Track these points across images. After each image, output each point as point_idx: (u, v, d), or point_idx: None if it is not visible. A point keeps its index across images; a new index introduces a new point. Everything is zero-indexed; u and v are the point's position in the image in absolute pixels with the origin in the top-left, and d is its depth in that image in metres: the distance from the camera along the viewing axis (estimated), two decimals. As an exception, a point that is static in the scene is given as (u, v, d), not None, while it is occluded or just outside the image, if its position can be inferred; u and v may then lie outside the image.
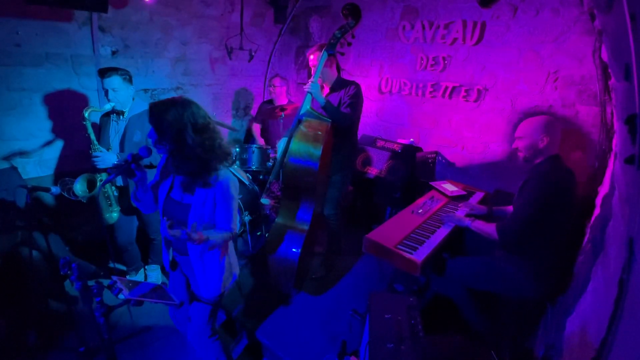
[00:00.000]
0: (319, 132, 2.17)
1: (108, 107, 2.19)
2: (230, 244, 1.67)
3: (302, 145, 2.17)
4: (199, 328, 1.63)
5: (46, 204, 2.74)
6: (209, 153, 1.39)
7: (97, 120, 2.37)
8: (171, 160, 1.42)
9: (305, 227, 2.25)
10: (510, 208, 2.21)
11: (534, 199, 1.73)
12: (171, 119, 1.33)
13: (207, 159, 1.39)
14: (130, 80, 2.23)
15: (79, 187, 2.17)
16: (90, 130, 2.13)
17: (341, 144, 2.40)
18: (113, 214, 2.34)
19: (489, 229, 1.87)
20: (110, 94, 2.15)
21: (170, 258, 1.63)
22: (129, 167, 1.42)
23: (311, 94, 2.23)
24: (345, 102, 2.30)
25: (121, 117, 2.27)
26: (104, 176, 2.24)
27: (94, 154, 2.14)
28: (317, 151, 2.13)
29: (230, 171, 1.55)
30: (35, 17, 2.41)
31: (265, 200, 2.76)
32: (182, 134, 1.34)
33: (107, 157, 2.15)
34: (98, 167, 2.16)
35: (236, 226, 1.51)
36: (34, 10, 2.36)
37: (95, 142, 2.16)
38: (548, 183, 1.72)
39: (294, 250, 2.22)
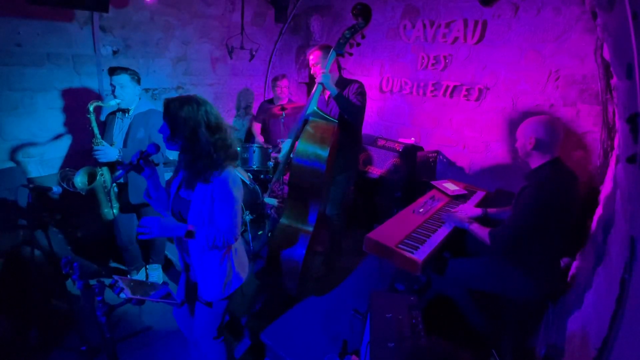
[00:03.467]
0: (326, 134, 2.17)
1: (113, 102, 2.22)
2: (240, 247, 1.63)
3: (309, 146, 2.16)
4: (203, 329, 1.62)
5: (48, 203, 2.74)
6: (219, 152, 1.41)
7: (103, 118, 2.38)
8: (182, 157, 1.44)
9: (310, 228, 2.25)
10: (506, 210, 2.18)
11: (529, 210, 1.68)
12: (185, 116, 1.35)
13: (217, 157, 1.40)
14: (138, 81, 2.29)
15: (80, 179, 2.20)
16: (94, 124, 2.15)
17: (346, 144, 2.40)
18: (113, 210, 2.35)
19: (482, 233, 1.86)
20: (118, 90, 2.20)
21: (184, 262, 1.63)
22: (138, 163, 1.44)
23: (322, 85, 2.21)
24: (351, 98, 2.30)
25: (126, 114, 2.29)
26: (105, 170, 2.26)
27: (96, 147, 2.16)
28: (324, 152, 2.12)
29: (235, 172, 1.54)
30: (36, 17, 2.42)
31: (272, 201, 2.75)
32: (195, 132, 1.36)
33: (108, 150, 2.17)
34: (99, 160, 2.18)
35: (238, 230, 1.47)
36: (35, 10, 2.37)
37: (98, 135, 2.18)
38: (545, 194, 1.65)
39: (298, 251, 2.22)
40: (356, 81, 2.36)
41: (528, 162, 1.82)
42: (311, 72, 2.34)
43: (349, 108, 2.21)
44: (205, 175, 1.40)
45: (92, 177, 2.24)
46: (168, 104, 1.38)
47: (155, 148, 1.46)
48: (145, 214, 2.45)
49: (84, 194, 2.22)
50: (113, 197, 2.35)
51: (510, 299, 1.91)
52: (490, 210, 2.22)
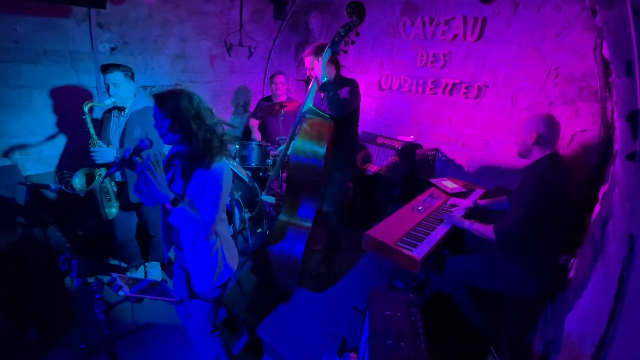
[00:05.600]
0: (323, 131, 2.17)
1: (109, 102, 2.19)
2: (230, 238, 1.66)
3: (306, 143, 2.17)
4: (199, 324, 1.63)
5: (46, 201, 2.73)
6: (218, 138, 1.45)
7: (98, 116, 2.36)
8: (184, 145, 1.45)
9: (309, 224, 2.25)
10: (496, 200, 2.24)
11: (530, 201, 1.71)
12: (187, 105, 1.39)
13: (216, 143, 1.44)
14: (132, 77, 2.25)
15: (78, 181, 2.18)
16: (90, 125, 2.13)
17: (341, 141, 2.39)
18: (112, 210, 2.34)
19: (486, 230, 1.87)
20: (112, 89, 2.16)
21: (172, 255, 1.64)
22: (131, 158, 1.44)
23: (316, 79, 2.23)
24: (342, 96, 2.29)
25: (122, 113, 2.27)
26: (103, 171, 2.24)
27: (93, 148, 2.14)
28: (321, 149, 2.13)
29: (230, 167, 1.55)
30: (33, 14, 2.40)
31: (269, 198, 2.75)
32: (198, 117, 1.40)
33: (106, 152, 2.15)
34: (97, 162, 2.16)
35: (213, 226, 1.46)
36: (32, 7, 2.35)
37: (95, 136, 2.15)
38: (544, 183, 1.69)
39: (297, 247, 2.22)
40: (352, 81, 2.35)
41: (528, 156, 1.84)
42: (307, 74, 2.34)
43: (334, 99, 2.19)
44: (207, 161, 1.43)
45: (90, 179, 2.22)
46: (162, 97, 1.39)
47: (148, 143, 1.45)
48: (145, 212, 2.44)
49: (82, 195, 2.20)
50: (112, 196, 2.34)
51: (508, 296, 1.91)
52: (480, 201, 2.25)
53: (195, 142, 1.41)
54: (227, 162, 1.52)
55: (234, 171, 2.73)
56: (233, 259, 1.66)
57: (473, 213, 2.24)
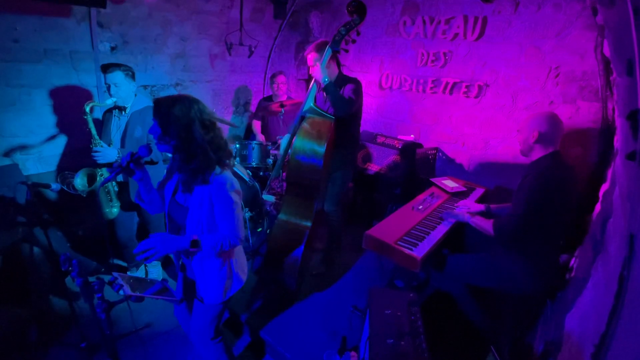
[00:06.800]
0: (323, 130, 2.17)
1: (109, 102, 2.19)
2: (240, 249, 1.60)
3: (306, 142, 2.17)
4: (200, 329, 1.60)
5: (47, 200, 2.74)
6: (215, 151, 1.36)
7: (99, 116, 2.36)
8: (176, 157, 1.39)
9: (309, 223, 2.26)
10: (508, 206, 2.21)
11: (530, 197, 1.71)
12: (179, 114, 1.30)
13: (213, 156, 1.35)
14: (132, 77, 2.24)
15: (79, 181, 2.18)
16: (91, 125, 2.13)
17: (343, 141, 2.39)
18: (113, 209, 2.35)
19: (486, 225, 1.87)
20: (112, 89, 2.16)
21: (180, 262, 1.62)
22: (128, 166, 1.40)
23: (317, 81, 2.23)
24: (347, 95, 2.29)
25: (123, 112, 2.27)
26: (104, 171, 2.24)
27: (94, 149, 2.14)
28: (321, 149, 2.13)
29: (234, 170, 1.51)
30: (33, 13, 2.40)
31: (269, 198, 2.76)
32: (190, 129, 1.30)
33: (107, 152, 2.15)
34: (98, 162, 2.16)
35: (241, 231, 1.43)
36: (32, 6, 2.35)
37: (96, 136, 2.15)
38: (545, 181, 1.70)
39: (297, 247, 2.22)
40: (354, 80, 2.35)
41: (529, 155, 1.85)
42: (310, 72, 2.34)
43: (338, 100, 2.19)
44: (203, 176, 1.35)
45: (91, 179, 2.22)
46: (159, 102, 1.32)
47: (147, 150, 1.41)
48: (146, 212, 2.43)
49: (84, 195, 2.20)
50: (113, 196, 2.34)
51: (509, 295, 1.91)
52: (493, 205, 2.24)
53: (185, 154, 1.33)
54: (228, 172, 1.43)
55: (234, 171, 2.73)
56: (242, 270, 1.60)
57: (485, 217, 2.21)
